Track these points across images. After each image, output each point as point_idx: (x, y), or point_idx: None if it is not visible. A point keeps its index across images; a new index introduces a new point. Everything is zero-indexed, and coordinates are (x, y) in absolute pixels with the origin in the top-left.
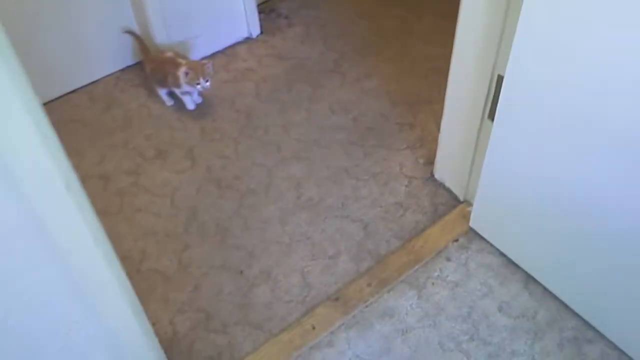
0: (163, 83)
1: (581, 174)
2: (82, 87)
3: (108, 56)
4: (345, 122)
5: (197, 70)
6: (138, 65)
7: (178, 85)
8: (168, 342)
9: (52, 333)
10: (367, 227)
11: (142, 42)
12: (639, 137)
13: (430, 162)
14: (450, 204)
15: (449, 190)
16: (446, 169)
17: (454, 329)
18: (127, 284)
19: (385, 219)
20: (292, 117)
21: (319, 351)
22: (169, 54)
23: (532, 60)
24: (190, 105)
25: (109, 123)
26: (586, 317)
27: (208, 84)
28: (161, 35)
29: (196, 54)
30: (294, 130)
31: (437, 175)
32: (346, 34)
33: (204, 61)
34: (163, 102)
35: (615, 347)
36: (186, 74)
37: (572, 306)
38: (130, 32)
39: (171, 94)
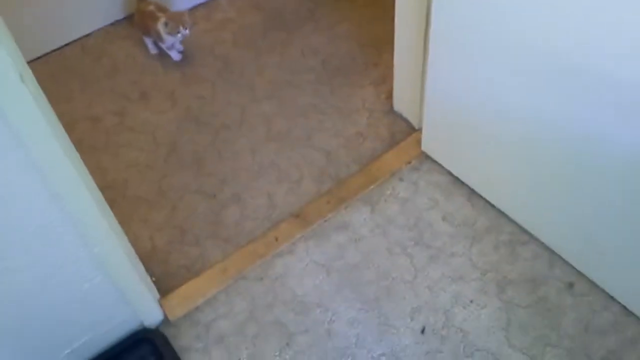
0: (147, 34)
1: (510, 89)
2: (75, 40)
3: (98, 11)
4: (315, 64)
5: (176, 20)
6: (126, 19)
7: (160, 39)
8: (147, 255)
9: (21, 217)
10: (329, 154)
11: None
12: (564, 53)
13: (390, 96)
14: (407, 132)
15: (406, 120)
16: (402, 100)
17: (401, 236)
18: (86, 172)
19: (346, 147)
20: (266, 61)
21: (280, 258)
22: (150, 7)
23: None
24: (175, 57)
25: (98, 71)
26: (522, 223)
27: (187, 31)
28: None
29: (180, 6)
30: (267, 72)
31: (395, 108)
32: None
33: (181, 11)
34: (148, 51)
35: (547, 248)
36: (166, 24)
37: (510, 214)
38: None
39: (155, 43)
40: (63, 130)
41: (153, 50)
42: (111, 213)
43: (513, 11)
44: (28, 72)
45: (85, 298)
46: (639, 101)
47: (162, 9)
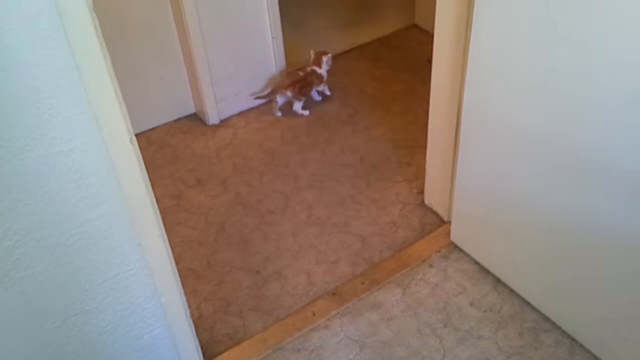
0: (307, 91)
1: (535, 187)
2: (142, 132)
3: (164, 109)
4: (354, 161)
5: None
6: (186, 117)
7: (321, 80)
8: (194, 322)
9: (106, 261)
10: (364, 240)
11: (277, 84)
12: (587, 149)
13: (422, 191)
14: (436, 223)
15: (435, 213)
16: (433, 195)
17: (430, 318)
18: (162, 227)
19: (380, 235)
20: (309, 156)
21: (316, 332)
22: (306, 70)
23: (482, 89)
24: (305, 113)
25: (160, 160)
26: (545, 312)
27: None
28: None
29: (235, 109)
30: (309, 166)
31: (426, 202)
32: (360, 94)
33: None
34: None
35: (568, 336)
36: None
37: (534, 303)
38: (260, 97)
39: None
40: (149, 184)
41: (277, 113)
42: (177, 271)
43: (535, 112)
44: (134, 138)
45: (144, 349)
46: None
47: (293, 73)
